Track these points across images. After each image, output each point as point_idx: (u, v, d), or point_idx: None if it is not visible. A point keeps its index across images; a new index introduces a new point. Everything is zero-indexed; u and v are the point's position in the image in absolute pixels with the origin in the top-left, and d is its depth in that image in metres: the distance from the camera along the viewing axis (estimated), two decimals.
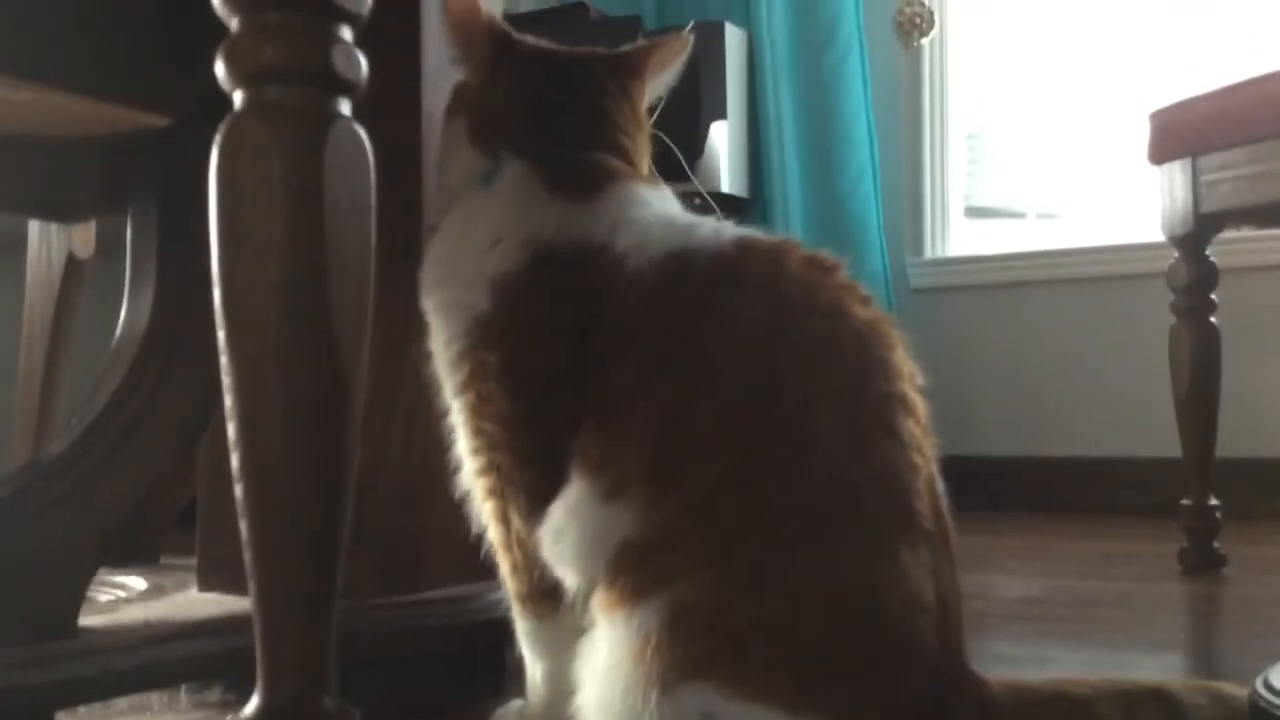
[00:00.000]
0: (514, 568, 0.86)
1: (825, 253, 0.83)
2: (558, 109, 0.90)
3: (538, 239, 0.82)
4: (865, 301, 0.81)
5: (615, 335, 0.79)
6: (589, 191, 0.85)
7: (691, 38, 0.96)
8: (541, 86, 0.91)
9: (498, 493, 0.84)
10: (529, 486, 0.82)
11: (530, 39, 0.94)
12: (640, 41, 0.96)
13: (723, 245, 0.82)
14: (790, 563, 0.71)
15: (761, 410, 0.74)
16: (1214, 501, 1.91)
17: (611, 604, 0.74)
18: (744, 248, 0.82)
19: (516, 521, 0.84)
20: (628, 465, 0.75)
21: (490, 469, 0.85)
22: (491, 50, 0.92)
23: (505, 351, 0.82)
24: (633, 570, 0.73)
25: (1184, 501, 1.91)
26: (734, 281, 0.80)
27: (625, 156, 0.90)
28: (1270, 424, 2.61)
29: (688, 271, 0.80)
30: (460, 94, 0.95)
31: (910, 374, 0.79)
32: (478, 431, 0.84)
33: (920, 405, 0.79)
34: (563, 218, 0.83)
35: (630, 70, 0.94)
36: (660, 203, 0.87)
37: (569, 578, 0.80)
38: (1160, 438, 2.10)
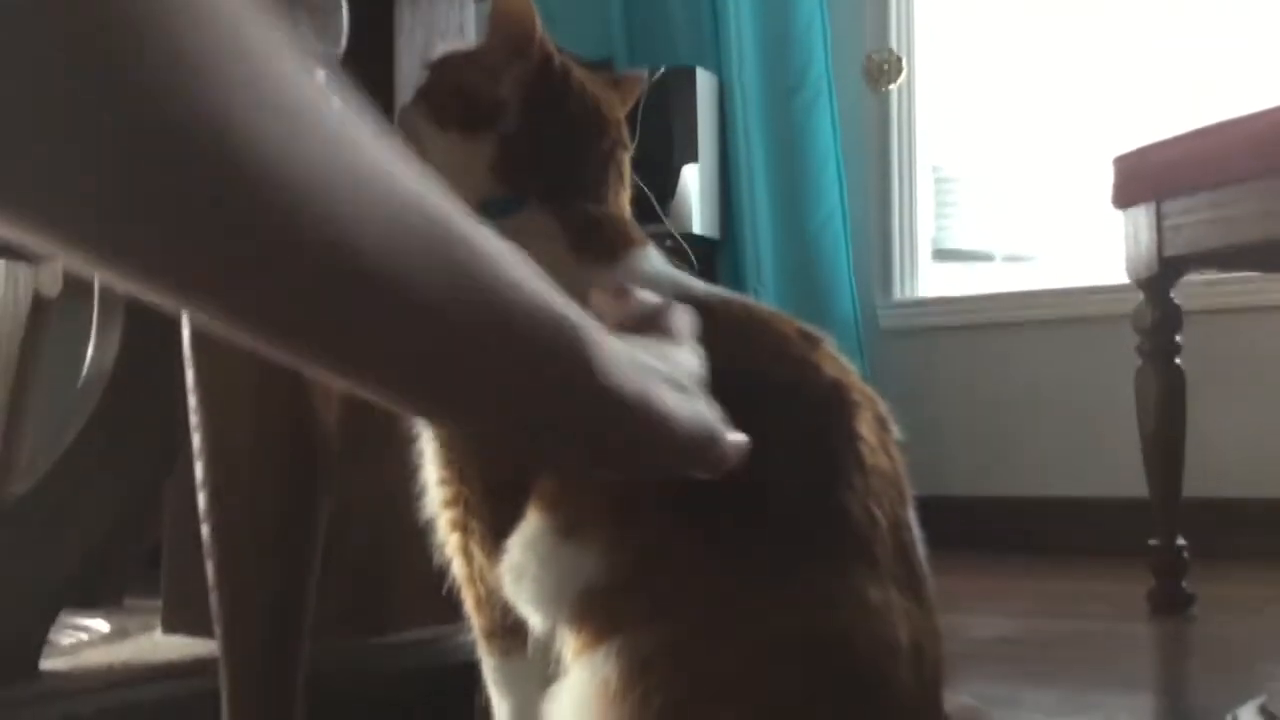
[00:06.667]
0: (478, 602, 0.85)
1: (814, 329, 0.82)
2: (583, 154, 0.89)
3: None
4: (844, 369, 0.80)
5: None
6: (611, 260, 0.84)
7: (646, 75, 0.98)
8: (573, 126, 0.88)
9: (462, 526, 0.84)
10: (493, 520, 0.81)
11: (560, 58, 0.89)
12: (629, 75, 0.97)
13: (707, 296, 0.83)
14: (751, 607, 0.71)
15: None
16: (1181, 541, 1.92)
17: (578, 649, 0.74)
18: (727, 301, 0.83)
19: (479, 556, 0.83)
20: (584, 501, 0.75)
21: (457, 500, 0.84)
22: (535, 73, 0.86)
23: None
24: (596, 614, 0.73)
25: (1152, 541, 1.92)
26: (711, 327, 0.80)
27: (627, 211, 0.90)
28: (1235, 464, 2.64)
29: None
30: (447, 75, 0.90)
31: (880, 427, 0.79)
32: (449, 462, 0.84)
33: (894, 454, 0.79)
34: (580, 283, 0.83)
35: (627, 107, 0.95)
36: (660, 261, 0.87)
37: (533, 618, 0.79)
38: (1128, 478, 2.11)
